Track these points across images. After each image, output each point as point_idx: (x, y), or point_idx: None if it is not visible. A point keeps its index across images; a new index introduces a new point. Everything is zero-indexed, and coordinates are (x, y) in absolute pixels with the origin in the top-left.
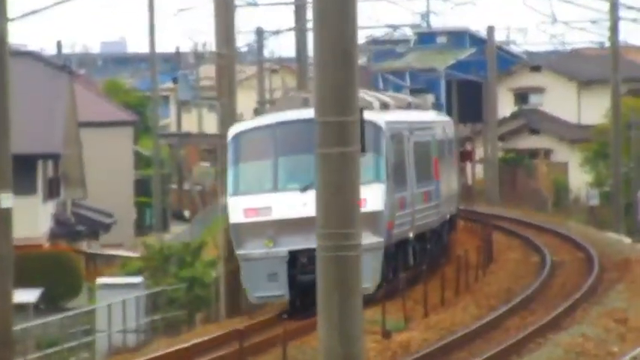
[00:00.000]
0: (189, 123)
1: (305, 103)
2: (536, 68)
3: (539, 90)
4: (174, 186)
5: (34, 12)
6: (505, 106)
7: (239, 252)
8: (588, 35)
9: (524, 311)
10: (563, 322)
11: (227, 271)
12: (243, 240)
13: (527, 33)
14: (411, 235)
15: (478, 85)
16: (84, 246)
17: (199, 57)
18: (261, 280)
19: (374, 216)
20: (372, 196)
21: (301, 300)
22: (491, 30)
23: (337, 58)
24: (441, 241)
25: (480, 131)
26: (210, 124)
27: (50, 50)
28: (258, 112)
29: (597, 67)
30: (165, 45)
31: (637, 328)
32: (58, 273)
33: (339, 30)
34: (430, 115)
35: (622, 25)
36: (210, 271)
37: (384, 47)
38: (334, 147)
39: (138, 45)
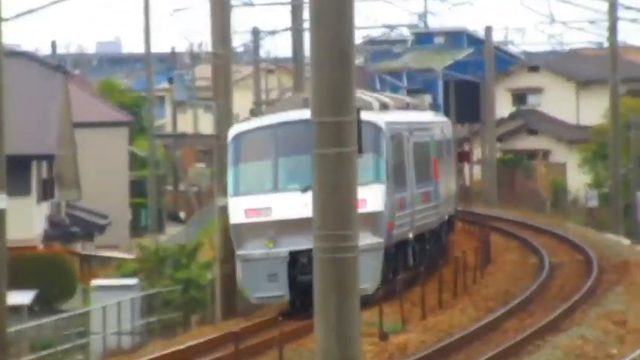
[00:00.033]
0: (185, 123)
1: (305, 104)
2: (534, 68)
3: (537, 90)
4: (169, 187)
5: (28, 12)
6: (503, 106)
7: (239, 252)
8: (587, 35)
9: (523, 313)
10: (562, 324)
11: (223, 273)
12: (244, 240)
13: (525, 33)
14: (410, 235)
15: (476, 85)
16: (78, 247)
17: (195, 57)
18: (262, 280)
19: (374, 216)
20: (372, 197)
21: (301, 300)
22: (488, 30)
23: (334, 58)
24: (439, 241)
25: (477, 132)
26: (206, 124)
27: (45, 50)
28: (253, 112)
29: (596, 68)
30: (161, 45)
31: (636, 330)
32: (53, 275)
33: (335, 30)
34: (428, 116)
35: (621, 26)
36: (206, 272)
37: (382, 47)
38: (331, 147)
39: (133, 45)
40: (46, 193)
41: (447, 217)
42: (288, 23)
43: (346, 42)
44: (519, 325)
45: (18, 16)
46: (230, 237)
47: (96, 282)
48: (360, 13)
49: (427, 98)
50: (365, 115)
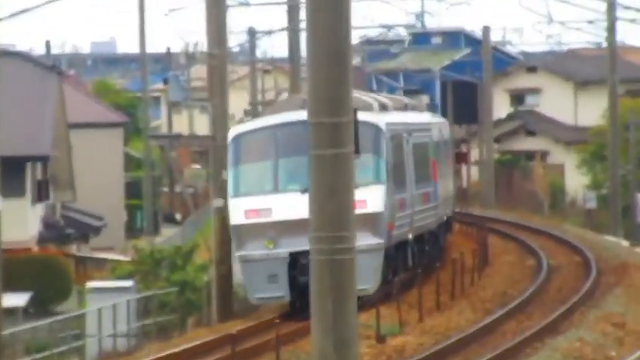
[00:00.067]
0: (181, 124)
1: (304, 105)
2: (532, 69)
3: (535, 91)
4: (165, 188)
5: (22, 11)
6: (501, 107)
7: (239, 253)
8: (585, 35)
9: (521, 315)
10: (561, 326)
11: (219, 275)
12: (244, 241)
13: (523, 33)
14: (410, 236)
15: (473, 86)
16: (73, 249)
17: (190, 57)
18: (262, 281)
19: (374, 217)
20: (373, 198)
21: (301, 301)
22: (486, 30)
23: (331, 59)
24: (438, 242)
25: (475, 133)
26: (202, 125)
27: (39, 50)
28: (248, 113)
29: (594, 68)
30: (156, 45)
31: (635, 332)
32: (48, 277)
33: (332, 30)
34: (427, 117)
35: (619, 26)
36: (202, 274)
37: (379, 47)
38: (328, 148)
39: (128, 45)
40: (40, 194)
41: (445, 218)
42: (285, 23)
43: (343, 42)
44: (517, 327)
45: (12, 15)
46: (226, 238)
47: (91, 284)
48: (356, 12)
49: (424, 99)
50: (365, 116)
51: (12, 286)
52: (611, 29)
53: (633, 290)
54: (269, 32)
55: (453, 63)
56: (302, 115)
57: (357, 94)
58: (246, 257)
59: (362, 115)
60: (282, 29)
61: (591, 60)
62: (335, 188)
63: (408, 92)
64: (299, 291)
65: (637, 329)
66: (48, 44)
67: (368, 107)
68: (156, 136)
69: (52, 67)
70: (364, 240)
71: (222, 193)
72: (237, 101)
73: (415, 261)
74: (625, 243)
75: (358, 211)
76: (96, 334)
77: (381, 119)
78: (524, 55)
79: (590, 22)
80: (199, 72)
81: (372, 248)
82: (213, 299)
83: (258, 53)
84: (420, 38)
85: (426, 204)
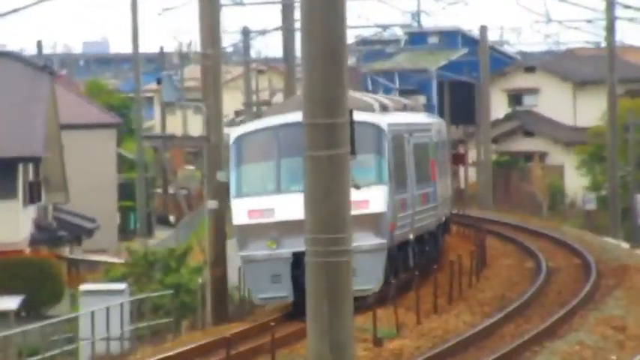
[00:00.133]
0: (174, 125)
1: None
2: (530, 69)
3: (533, 91)
4: (158, 190)
5: (13, 11)
6: (498, 107)
7: (242, 253)
8: (583, 35)
9: (520, 318)
10: (560, 330)
11: (213, 277)
12: (247, 241)
13: (520, 33)
14: (411, 236)
15: (471, 86)
16: (66, 252)
17: (184, 57)
18: (265, 281)
19: (377, 217)
20: (375, 198)
21: (305, 301)
22: (484, 30)
23: (326, 59)
24: (437, 243)
25: (472, 133)
26: (196, 126)
27: (30, 50)
28: (239, 113)
29: (593, 68)
30: (149, 45)
31: (636, 335)
32: (40, 279)
33: (327, 30)
34: (425, 117)
35: (618, 25)
36: (196, 277)
37: (374, 47)
38: (323, 150)
39: (121, 45)
40: (32, 196)
41: (444, 218)
42: (279, 23)
43: (338, 42)
44: (516, 330)
45: (3, 15)
46: (221, 240)
47: (84, 287)
48: (352, 12)
49: (420, 99)
50: (367, 117)
51: (3, 289)
52: (611, 28)
53: (633, 293)
54: (263, 32)
55: (450, 63)
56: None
57: (358, 95)
58: (250, 257)
59: (364, 116)
60: (277, 29)
61: (590, 60)
62: (331, 190)
63: (403, 92)
64: (302, 291)
65: (638, 332)
66: (39, 44)
67: (369, 108)
68: (149, 136)
69: (43, 67)
70: (367, 240)
71: (217, 194)
72: (231, 102)
73: (415, 261)
74: (625, 245)
75: (361, 211)
76: (89, 337)
77: (383, 120)
78: (522, 55)
79: (589, 21)
80: (193, 72)
81: (375, 248)
82: (208, 302)
83: (253, 53)
84: (417, 38)
85: (426, 204)
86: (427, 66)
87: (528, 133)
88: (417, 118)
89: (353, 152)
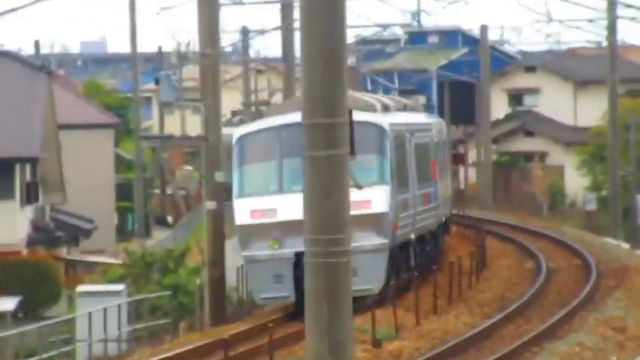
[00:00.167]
0: (172, 125)
1: None
2: (530, 68)
3: (534, 91)
4: (156, 190)
5: (11, 11)
6: (499, 107)
7: (245, 253)
8: (584, 34)
9: (519, 319)
10: (560, 331)
11: (211, 278)
12: (249, 241)
13: (521, 32)
14: (412, 236)
15: (471, 85)
16: (63, 252)
17: (182, 57)
18: (267, 281)
19: (379, 217)
20: (377, 198)
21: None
22: (484, 29)
23: (325, 59)
24: (437, 243)
25: (472, 133)
26: (194, 126)
27: (28, 50)
28: (236, 113)
29: (594, 68)
30: (147, 44)
31: (636, 336)
32: (37, 280)
33: (327, 29)
34: (426, 117)
35: (620, 24)
36: (195, 278)
37: (374, 47)
38: (322, 150)
39: (119, 45)
40: (29, 196)
41: (444, 219)
42: (278, 22)
43: (338, 42)
44: (516, 331)
45: (0, 14)
46: (219, 241)
47: (81, 288)
48: (351, 11)
49: (420, 99)
50: (369, 117)
51: (0, 290)
52: (612, 28)
53: (634, 293)
54: (262, 31)
55: (450, 62)
56: None
57: (360, 95)
58: (252, 257)
59: (365, 116)
60: (276, 28)
61: (591, 59)
62: (330, 190)
63: (403, 92)
64: (304, 291)
65: (638, 333)
66: (37, 44)
67: (371, 108)
68: (147, 136)
69: (41, 67)
70: (369, 240)
71: (215, 195)
72: (230, 102)
73: (417, 261)
74: (625, 245)
75: (363, 211)
76: (86, 338)
77: (385, 120)
78: (522, 55)
79: (590, 20)
80: (191, 72)
81: (377, 248)
82: (206, 303)
83: (252, 53)
84: (417, 37)
85: (427, 204)
86: (427, 66)
87: (529, 133)
88: (418, 118)
89: (352, 152)
